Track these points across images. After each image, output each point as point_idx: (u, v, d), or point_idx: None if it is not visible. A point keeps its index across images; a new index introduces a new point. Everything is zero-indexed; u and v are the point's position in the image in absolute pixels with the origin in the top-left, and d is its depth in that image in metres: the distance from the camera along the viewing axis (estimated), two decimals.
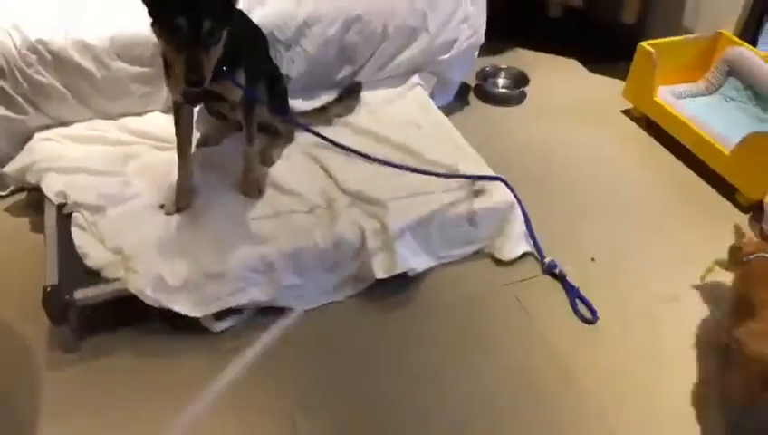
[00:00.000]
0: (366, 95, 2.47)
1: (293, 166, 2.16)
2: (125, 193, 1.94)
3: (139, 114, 2.26)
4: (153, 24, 1.59)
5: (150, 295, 1.68)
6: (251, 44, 1.93)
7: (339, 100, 2.41)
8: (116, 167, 2.04)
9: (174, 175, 1.97)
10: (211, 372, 1.71)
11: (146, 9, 1.57)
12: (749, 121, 2.62)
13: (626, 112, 2.90)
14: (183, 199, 1.93)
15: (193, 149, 2.03)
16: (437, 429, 1.64)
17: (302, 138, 2.25)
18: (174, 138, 1.96)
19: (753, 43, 2.86)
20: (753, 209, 2.34)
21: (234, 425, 1.60)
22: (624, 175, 2.55)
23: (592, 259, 2.14)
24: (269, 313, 1.87)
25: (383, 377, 1.75)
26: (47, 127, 2.14)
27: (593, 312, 1.95)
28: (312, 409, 1.65)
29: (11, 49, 2.00)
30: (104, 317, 1.77)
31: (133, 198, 1.94)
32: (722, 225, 2.16)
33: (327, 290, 1.92)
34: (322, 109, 2.37)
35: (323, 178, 2.11)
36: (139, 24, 2.09)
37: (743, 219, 2.34)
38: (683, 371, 1.79)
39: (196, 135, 2.08)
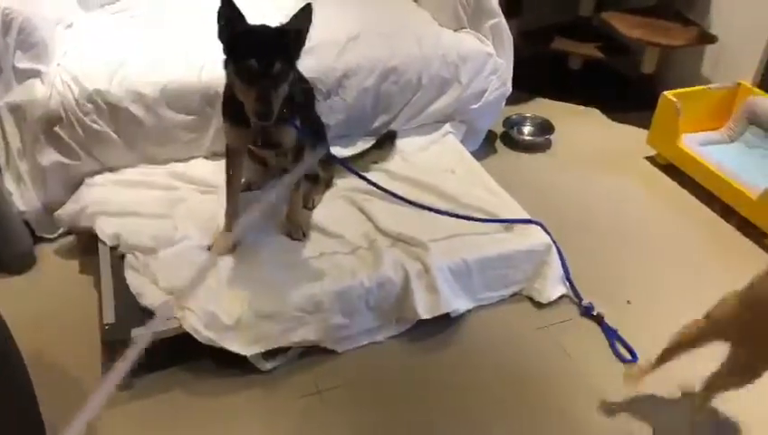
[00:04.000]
0: (400, 143, 2.59)
1: (334, 210, 2.26)
2: (174, 236, 2.03)
3: (184, 160, 2.38)
4: (227, 64, 1.75)
5: (204, 333, 1.74)
6: (303, 94, 2.05)
7: (375, 147, 2.52)
8: (164, 210, 2.14)
9: (219, 218, 2.06)
10: (257, 413, 1.76)
11: (223, 48, 1.73)
12: None
13: (650, 159, 3.00)
14: (230, 242, 2.01)
15: None
16: None
17: (341, 183, 2.36)
18: (217, 183, 2.06)
19: None
20: None
21: None
22: (653, 219, 2.64)
23: (628, 302, 2.20)
24: (313, 352, 1.92)
25: (425, 419, 1.79)
26: (96, 172, 2.26)
27: (633, 353, 2.00)
28: None
29: (70, 100, 2.13)
30: (158, 356, 1.82)
31: (182, 241, 2.02)
32: (751, 267, 2.25)
33: (371, 330, 1.99)
34: (360, 156, 2.48)
35: (363, 220, 2.20)
36: (188, 73, 2.26)
37: None
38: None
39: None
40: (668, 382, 1.93)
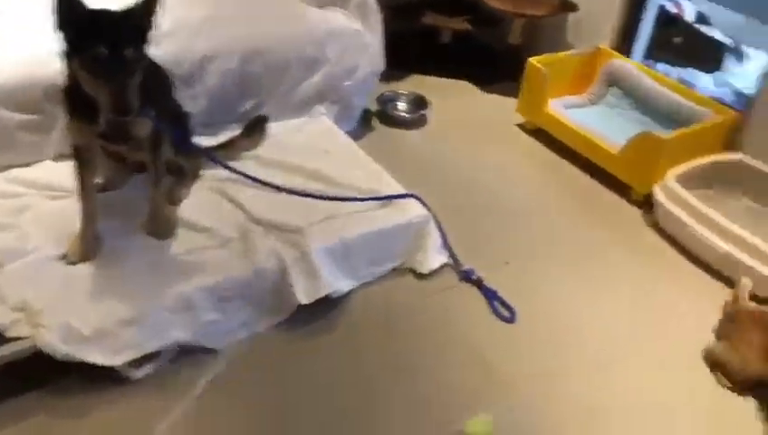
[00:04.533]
0: (271, 127, 2.50)
1: (202, 203, 2.15)
2: (23, 247, 1.85)
3: (27, 164, 2.16)
4: (70, 56, 1.58)
5: (61, 349, 1.60)
6: (155, 81, 1.91)
7: (244, 134, 2.42)
8: (6, 219, 1.94)
9: (74, 224, 1.90)
10: (134, 424, 1.64)
11: (62, 40, 1.56)
12: (631, 125, 2.87)
13: (520, 126, 3.09)
14: (88, 248, 1.87)
15: None
16: None
17: (208, 174, 2.25)
18: (68, 186, 1.89)
19: (628, 54, 3.15)
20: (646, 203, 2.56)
21: None
22: (526, 183, 2.74)
23: (506, 263, 2.27)
24: (190, 353, 1.82)
25: (318, 401, 1.75)
26: None
27: (511, 311, 2.07)
28: None
29: None
30: (12, 382, 1.66)
31: (32, 252, 1.85)
32: (618, 219, 2.40)
33: (250, 322, 1.91)
34: (228, 144, 2.37)
35: (234, 211, 2.11)
36: (27, 68, 2.06)
37: (637, 214, 2.55)
38: (605, 358, 1.94)
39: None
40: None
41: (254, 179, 2.15)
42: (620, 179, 2.63)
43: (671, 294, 2.21)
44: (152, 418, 1.65)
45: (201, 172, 2.26)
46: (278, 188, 2.15)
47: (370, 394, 1.79)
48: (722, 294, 2.13)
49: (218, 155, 2.28)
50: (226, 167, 2.10)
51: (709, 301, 2.12)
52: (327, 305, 2.00)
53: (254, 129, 2.46)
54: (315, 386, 1.80)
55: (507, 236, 2.40)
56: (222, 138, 2.39)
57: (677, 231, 2.38)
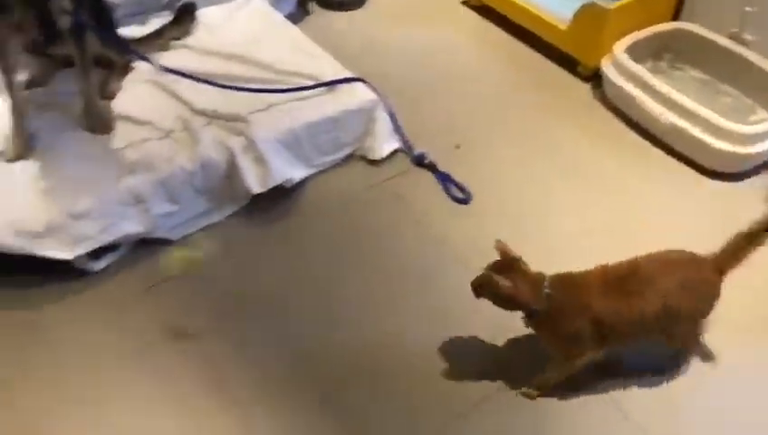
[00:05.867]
0: (201, 14, 2.53)
1: (138, 95, 2.22)
2: None
3: None
4: None
5: (15, 244, 1.71)
6: None
7: (174, 23, 2.46)
8: None
9: (4, 120, 1.95)
10: (99, 311, 1.80)
11: None
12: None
13: (465, 3, 3.18)
14: (23, 144, 1.93)
15: None
16: (337, 321, 1.87)
17: (144, 66, 2.29)
18: None
19: None
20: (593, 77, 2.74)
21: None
22: (473, 63, 2.88)
23: (457, 146, 2.44)
24: (147, 245, 1.96)
25: (276, 287, 1.93)
26: None
27: (465, 192, 2.26)
28: (215, 330, 1.80)
29: None
30: None
31: None
32: (567, 94, 2.57)
33: (204, 213, 2.05)
34: (157, 34, 2.41)
35: (173, 102, 2.19)
36: None
37: (586, 89, 2.73)
38: (556, 231, 2.16)
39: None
40: None
41: (192, 78, 2.17)
42: (569, 55, 2.79)
43: (617, 169, 2.40)
44: (115, 306, 1.81)
45: (133, 65, 2.30)
46: (221, 86, 2.17)
47: (327, 280, 1.97)
48: (665, 162, 2.38)
49: (148, 46, 2.32)
50: (147, 60, 2.16)
51: (655, 171, 2.37)
52: (281, 195, 2.15)
53: (183, 16, 2.49)
54: (271, 273, 1.96)
55: (456, 119, 2.56)
56: (150, 27, 2.42)
57: (625, 104, 2.58)
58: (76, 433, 1.59)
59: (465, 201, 2.24)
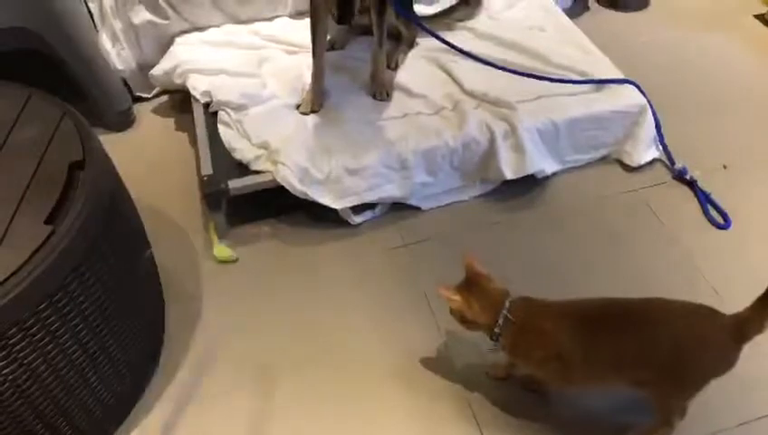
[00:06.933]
0: (486, 0, 2.62)
1: (417, 70, 2.38)
2: (263, 94, 2.22)
3: (268, 19, 2.52)
4: None
5: (298, 187, 1.96)
6: None
7: (460, 4, 2.58)
8: (251, 69, 2.33)
9: (305, 77, 2.24)
10: (350, 259, 2.00)
11: None
12: None
13: (759, 17, 2.91)
14: (318, 100, 2.19)
15: None
16: None
17: (425, 43, 2.46)
18: (301, 42, 2.21)
19: None
20: None
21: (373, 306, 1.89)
22: (757, 82, 2.63)
23: (724, 166, 2.27)
24: (399, 209, 2.13)
25: (506, 274, 1.94)
26: (185, 32, 2.46)
27: (726, 218, 2.10)
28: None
29: None
30: (251, 208, 2.07)
31: (271, 99, 2.21)
32: None
33: (455, 189, 2.17)
34: (444, 14, 2.55)
35: (447, 81, 2.32)
36: None
37: None
38: None
39: None
40: None
41: (469, 55, 2.31)
42: None
43: None
44: (364, 258, 2.00)
45: (417, 41, 2.46)
46: (490, 64, 2.29)
47: (562, 276, 1.96)
48: None
49: (434, 24, 2.47)
50: (437, 37, 2.29)
51: None
52: (530, 185, 2.19)
53: (470, 0, 2.59)
54: (508, 255, 2.01)
55: (727, 138, 2.38)
56: (439, 7, 2.57)
57: None
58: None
59: (724, 227, 2.08)
